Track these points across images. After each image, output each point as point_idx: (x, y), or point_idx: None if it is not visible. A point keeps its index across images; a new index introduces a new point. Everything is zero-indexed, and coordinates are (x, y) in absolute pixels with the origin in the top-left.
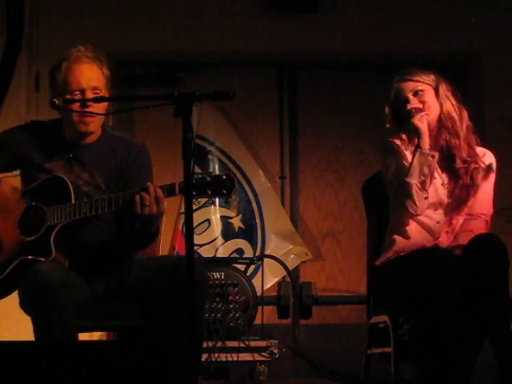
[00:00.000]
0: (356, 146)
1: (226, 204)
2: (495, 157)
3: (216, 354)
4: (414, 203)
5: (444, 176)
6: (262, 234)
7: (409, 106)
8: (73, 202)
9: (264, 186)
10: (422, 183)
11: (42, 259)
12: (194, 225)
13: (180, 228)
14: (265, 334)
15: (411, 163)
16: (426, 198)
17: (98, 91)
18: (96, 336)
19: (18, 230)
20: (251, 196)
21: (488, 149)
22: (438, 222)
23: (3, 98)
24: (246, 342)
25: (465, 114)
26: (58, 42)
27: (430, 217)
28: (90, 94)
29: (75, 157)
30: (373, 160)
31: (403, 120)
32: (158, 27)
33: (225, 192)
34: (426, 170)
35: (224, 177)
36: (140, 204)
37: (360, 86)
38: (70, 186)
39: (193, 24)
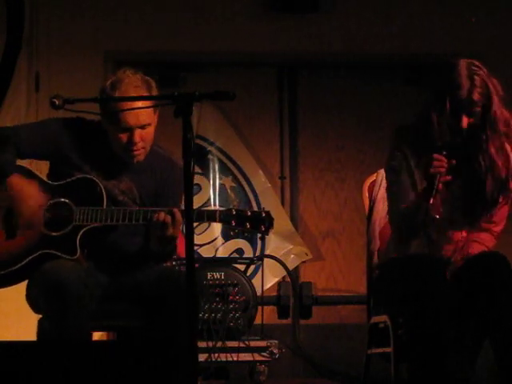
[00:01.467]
0: (356, 145)
1: (262, 241)
2: None
3: (216, 354)
4: (429, 233)
5: (455, 184)
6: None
7: (463, 123)
8: (104, 206)
9: (264, 186)
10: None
11: (66, 257)
12: (194, 225)
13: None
14: (265, 334)
15: (414, 204)
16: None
17: (146, 126)
18: (96, 336)
19: (42, 223)
20: (251, 196)
21: None
22: (438, 232)
23: (3, 98)
24: (246, 342)
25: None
26: (58, 42)
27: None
28: (138, 132)
29: (117, 167)
30: (373, 160)
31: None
32: (158, 27)
33: (263, 229)
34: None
35: (263, 214)
36: (157, 224)
37: (360, 86)
38: (103, 191)
39: (193, 24)
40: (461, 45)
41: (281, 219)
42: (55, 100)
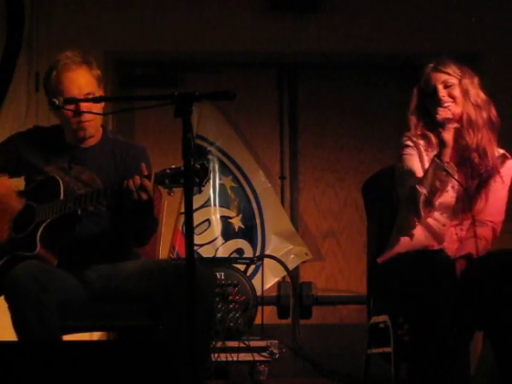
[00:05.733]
0: (356, 145)
1: (199, 194)
2: None
3: (216, 354)
4: (419, 212)
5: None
6: (262, 234)
7: (440, 95)
8: (61, 198)
9: (264, 186)
10: (431, 196)
11: (27, 254)
12: (194, 225)
13: (180, 228)
14: (265, 334)
15: (426, 171)
16: (431, 211)
17: (91, 96)
18: (96, 336)
19: (10, 229)
20: (251, 196)
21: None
22: (443, 225)
23: (3, 98)
24: (246, 342)
25: (486, 113)
26: (58, 42)
27: (437, 219)
28: (83, 102)
29: (75, 159)
30: (373, 160)
31: (427, 110)
32: (158, 27)
33: (197, 180)
34: (437, 184)
35: (198, 166)
36: (126, 192)
37: (360, 85)
38: (61, 184)
39: (193, 24)
40: (461, 45)
41: (281, 219)
42: (55, 100)
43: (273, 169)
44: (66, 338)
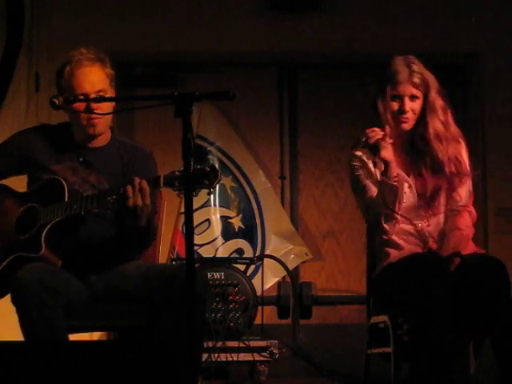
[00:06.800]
0: None
1: (208, 195)
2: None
3: (216, 354)
4: (384, 229)
5: (410, 178)
6: (262, 234)
7: (406, 107)
8: (66, 200)
9: (264, 186)
10: (390, 211)
11: (32, 255)
12: (194, 225)
13: (180, 228)
14: (265, 334)
15: (378, 192)
16: (396, 222)
17: (102, 93)
18: (96, 336)
19: (14, 230)
20: (251, 196)
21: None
22: (413, 225)
23: (3, 98)
24: (246, 342)
25: (450, 119)
26: (58, 41)
27: (404, 221)
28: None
29: (83, 160)
30: None
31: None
32: (158, 27)
33: (207, 183)
34: (391, 198)
35: (207, 168)
36: (124, 196)
37: (360, 86)
38: (65, 186)
39: (193, 24)
40: (461, 45)
41: (281, 219)
42: (55, 100)
43: (273, 169)
44: None
